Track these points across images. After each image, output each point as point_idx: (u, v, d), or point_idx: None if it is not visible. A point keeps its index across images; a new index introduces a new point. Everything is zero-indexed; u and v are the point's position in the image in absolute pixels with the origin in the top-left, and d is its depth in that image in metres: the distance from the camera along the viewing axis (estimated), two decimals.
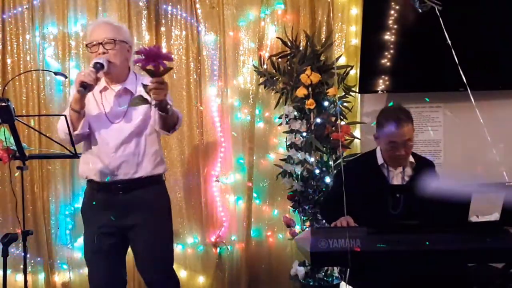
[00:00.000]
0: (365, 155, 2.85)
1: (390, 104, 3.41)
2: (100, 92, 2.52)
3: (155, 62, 2.06)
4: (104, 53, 2.43)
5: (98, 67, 2.35)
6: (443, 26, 1.91)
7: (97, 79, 2.35)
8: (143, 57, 2.05)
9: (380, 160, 2.68)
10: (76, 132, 2.42)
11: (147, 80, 2.27)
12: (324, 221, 2.42)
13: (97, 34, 2.47)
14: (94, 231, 2.52)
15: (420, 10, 2.01)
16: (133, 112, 2.49)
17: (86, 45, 2.52)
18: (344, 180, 2.65)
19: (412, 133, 2.58)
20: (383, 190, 2.58)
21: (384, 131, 2.58)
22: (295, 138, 3.52)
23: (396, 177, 2.66)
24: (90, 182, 2.57)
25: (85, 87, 2.29)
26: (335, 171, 3.35)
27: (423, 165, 2.69)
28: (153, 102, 2.23)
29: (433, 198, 1.94)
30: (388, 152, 2.61)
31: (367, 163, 2.70)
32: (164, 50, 2.14)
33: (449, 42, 1.91)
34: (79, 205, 3.74)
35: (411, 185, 2.52)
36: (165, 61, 2.09)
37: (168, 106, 2.32)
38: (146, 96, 2.20)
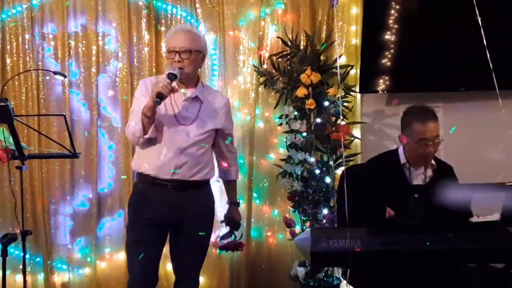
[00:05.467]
0: (387, 154, 2.84)
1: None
2: None
3: None
4: (179, 61, 2.53)
5: (172, 77, 2.45)
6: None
7: (172, 90, 2.45)
8: None
9: (402, 160, 2.70)
10: (147, 136, 2.52)
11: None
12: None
13: (175, 42, 2.56)
14: (142, 222, 2.60)
15: None
16: (203, 121, 2.60)
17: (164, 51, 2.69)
18: (367, 179, 2.68)
19: (439, 130, 2.62)
20: (404, 190, 2.59)
21: (413, 129, 2.60)
22: (295, 138, 3.52)
23: (417, 178, 2.68)
24: (143, 176, 2.64)
25: (161, 98, 2.40)
26: (344, 178, 3.32)
27: (443, 168, 2.72)
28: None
29: (451, 201, 1.96)
30: (417, 151, 2.61)
31: (389, 163, 2.72)
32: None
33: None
34: (78, 205, 3.78)
35: (432, 186, 2.55)
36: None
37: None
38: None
